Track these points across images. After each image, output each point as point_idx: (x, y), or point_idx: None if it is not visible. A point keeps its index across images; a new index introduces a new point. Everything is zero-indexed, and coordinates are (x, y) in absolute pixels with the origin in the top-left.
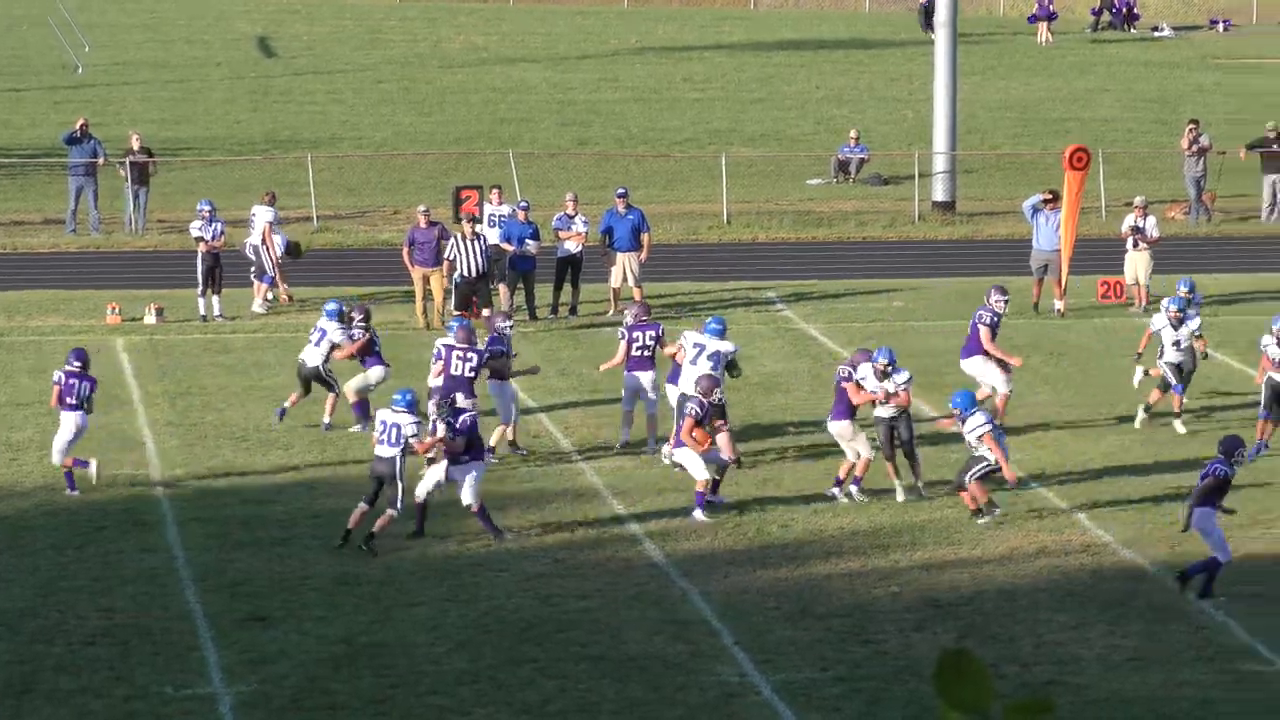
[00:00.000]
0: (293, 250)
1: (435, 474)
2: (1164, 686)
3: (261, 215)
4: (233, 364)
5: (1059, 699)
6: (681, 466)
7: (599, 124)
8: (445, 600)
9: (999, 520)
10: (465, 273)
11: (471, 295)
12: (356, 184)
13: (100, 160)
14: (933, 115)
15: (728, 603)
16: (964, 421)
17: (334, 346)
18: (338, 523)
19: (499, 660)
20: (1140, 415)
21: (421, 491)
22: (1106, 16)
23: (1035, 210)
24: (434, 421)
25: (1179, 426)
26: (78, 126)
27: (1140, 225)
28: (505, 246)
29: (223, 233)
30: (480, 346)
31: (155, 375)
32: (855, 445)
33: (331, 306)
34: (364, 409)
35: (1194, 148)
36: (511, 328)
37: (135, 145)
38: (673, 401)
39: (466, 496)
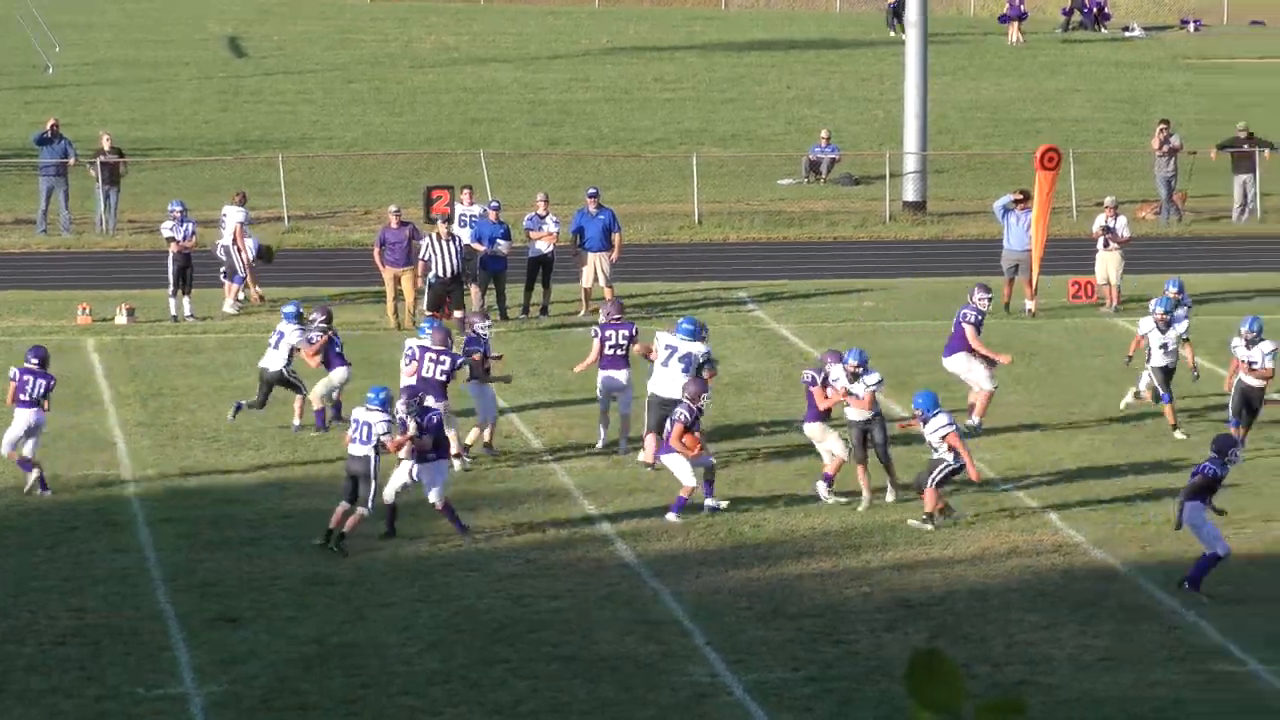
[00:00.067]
0: (264, 254)
1: (401, 474)
2: (1135, 686)
3: (232, 215)
4: (204, 364)
5: (1030, 699)
6: (653, 467)
7: (570, 124)
8: (417, 600)
9: (954, 521)
10: (440, 273)
11: (445, 296)
12: (327, 184)
13: (71, 160)
14: (903, 115)
15: (699, 603)
16: (926, 423)
17: (293, 349)
18: (309, 523)
19: (470, 660)
20: (1128, 398)
21: (390, 493)
22: (1077, 16)
23: (1006, 210)
24: (402, 419)
25: (1179, 434)
26: (48, 127)
27: (1111, 225)
28: (476, 247)
29: (194, 233)
30: (455, 350)
31: (126, 376)
32: (826, 446)
33: (289, 309)
34: (323, 416)
35: (1165, 148)
36: (489, 328)
37: (106, 145)
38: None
39: (432, 495)
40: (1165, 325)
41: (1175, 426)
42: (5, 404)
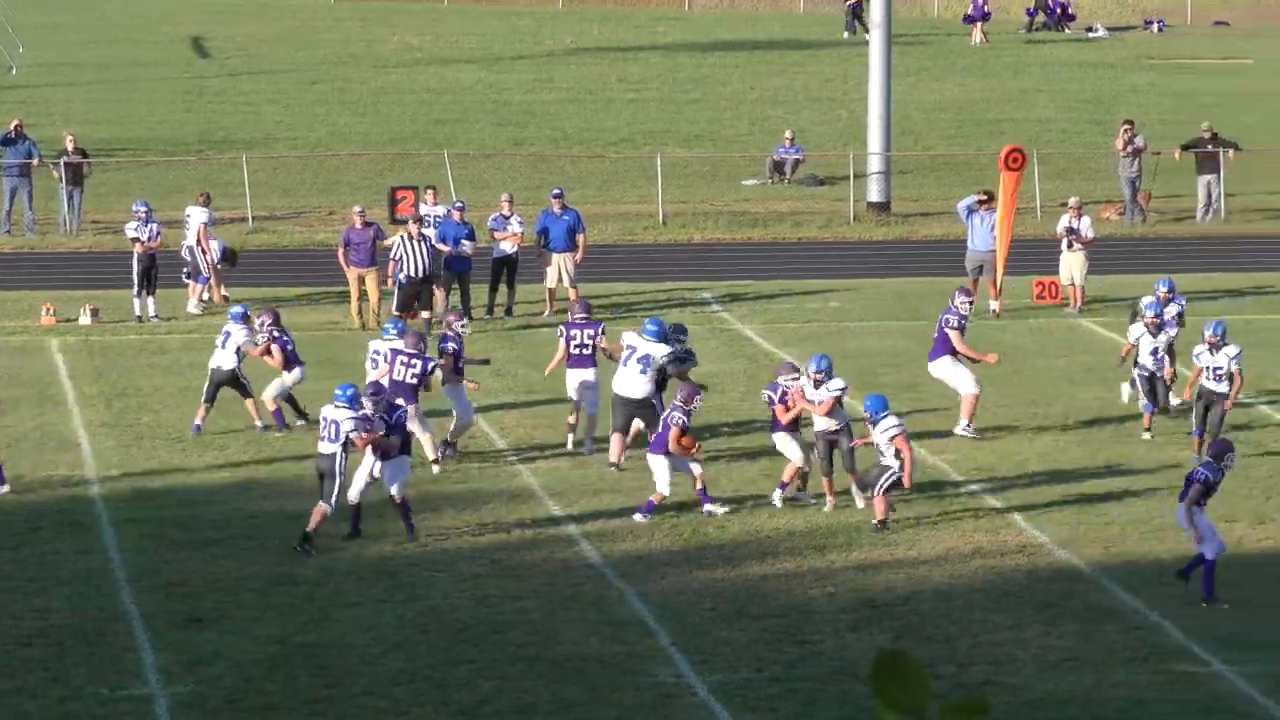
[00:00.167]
0: (229, 256)
1: (364, 472)
2: (1099, 687)
3: (196, 216)
4: (168, 365)
5: (995, 699)
6: (618, 467)
7: (534, 124)
8: (381, 601)
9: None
10: (411, 273)
11: (415, 296)
12: (291, 184)
13: (34, 161)
14: (867, 116)
15: (664, 603)
16: (875, 425)
17: (240, 349)
18: (274, 524)
19: (435, 661)
20: (1127, 390)
21: (354, 493)
22: (1041, 17)
23: (970, 211)
24: (368, 416)
25: (1146, 435)
26: (12, 127)
27: (1075, 226)
28: (441, 247)
29: (159, 233)
30: (428, 355)
31: (90, 376)
32: (787, 453)
33: (236, 309)
34: (282, 416)
35: (1129, 148)
36: (465, 327)
37: (70, 146)
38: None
39: (394, 489)
40: (1157, 329)
41: (1148, 429)
42: None
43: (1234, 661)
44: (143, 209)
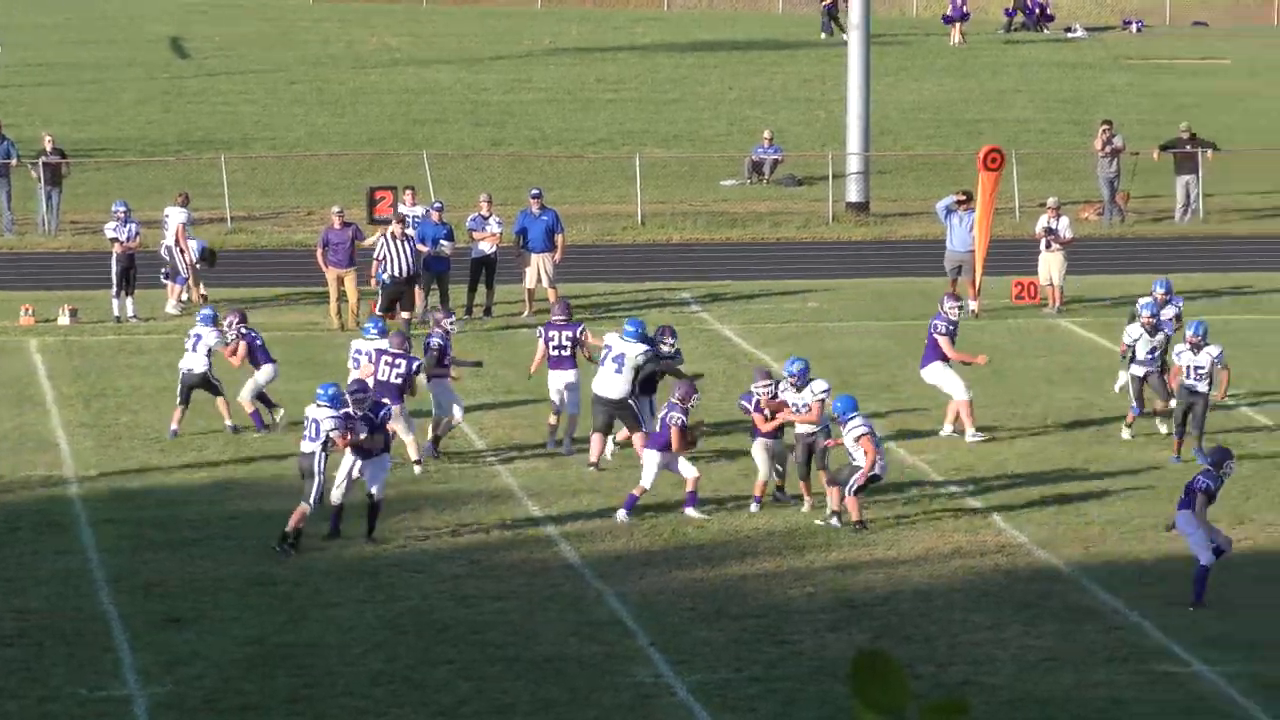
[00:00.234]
0: (208, 256)
1: (344, 471)
2: (1078, 687)
3: (175, 217)
4: (147, 365)
5: (974, 699)
6: (597, 466)
7: (513, 125)
8: (361, 601)
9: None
10: (395, 273)
11: (399, 297)
12: (270, 185)
13: (13, 161)
14: (846, 116)
15: (643, 603)
16: (844, 425)
17: (210, 350)
18: (252, 524)
19: (414, 661)
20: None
21: (337, 494)
22: (1020, 17)
23: (949, 211)
24: (347, 415)
25: (1125, 434)
26: None
27: (1053, 226)
28: (420, 248)
29: (138, 234)
30: (414, 354)
31: (69, 376)
32: (758, 463)
33: (206, 311)
34: (260, 417)
35: (1108, 148)
36: (454, 324)
37: (48, 146)
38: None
39: (375, 489)
40: (1153, 329)
41: (1129, 426)
42: None
43: (1214, 662)
44: (122, 209)
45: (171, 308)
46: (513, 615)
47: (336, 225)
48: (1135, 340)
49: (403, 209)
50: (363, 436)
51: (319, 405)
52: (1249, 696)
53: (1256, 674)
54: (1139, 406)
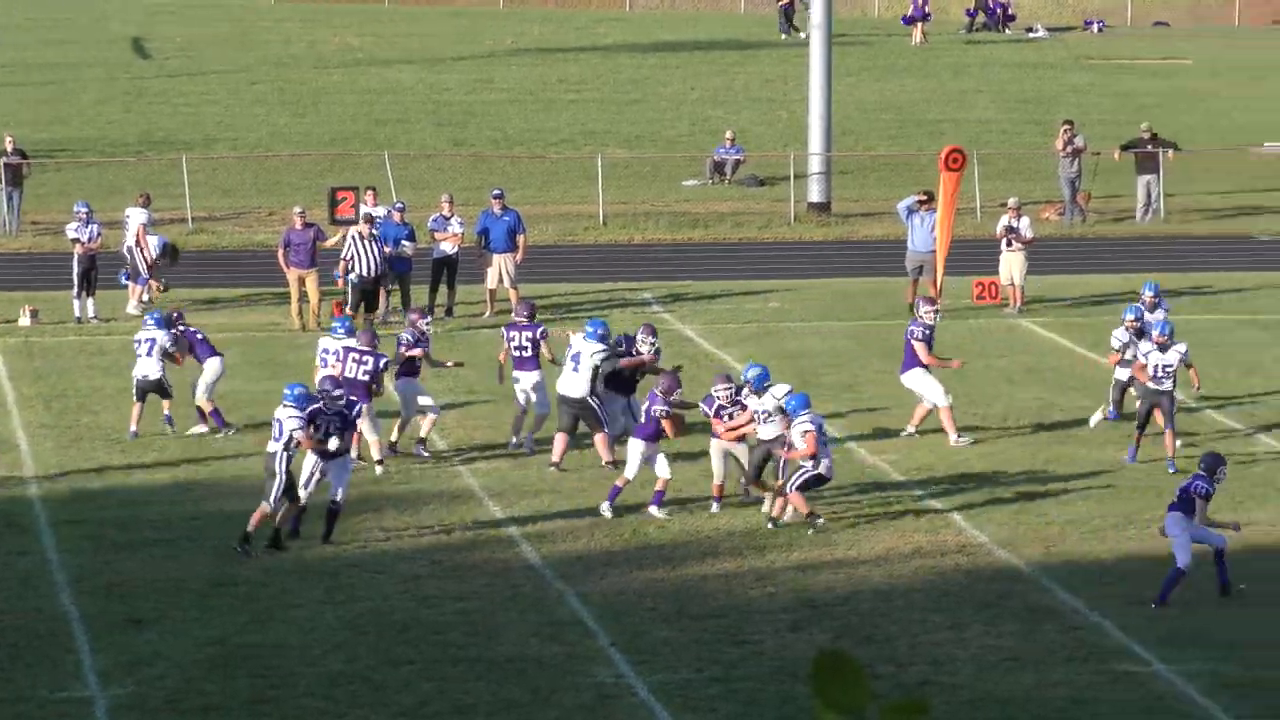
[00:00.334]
0: (169, 252)
1: (306, 471)
2: (1038, 686)
3: (135, 217)
4: (108, 365)
5: (934, 699)
6: (558, 466)
7: (475, 125)
8: (322, 602)
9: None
10: (363, 273)
11: (369, 295)
12: (231, 185)
13: None
14: (808, 116)
15: (604, 604)
16: (794, 420)
17: (165, 353)
18: (214, 525)
19: (376, 662)
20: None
21: (303, 494)
22: (981, 17)
23: (910, 211)
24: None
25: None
26: None
27: (1015, 226)
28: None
29: (99, 234)
30: (382, 352)
31: (30, 377)
32: (714, 465)
33: (155, 315)
34: (220, 415)
35: (1069, 149)
36: (430, 325)
37: (9, 147)
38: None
39: (339, 494)
40: (1139, 333)
41: (1090, 425)
42: None
43: (1173, 660)
44: (84, 210)
45: (133, 308)
46: (474, 616)
47: (298, 226)
48: (1123, 344)
49: (370, 209)
50: (333, 446)
51: (285, 405)
52: (1209, 695)
53: (1216, 673)
54: (1116, 413)
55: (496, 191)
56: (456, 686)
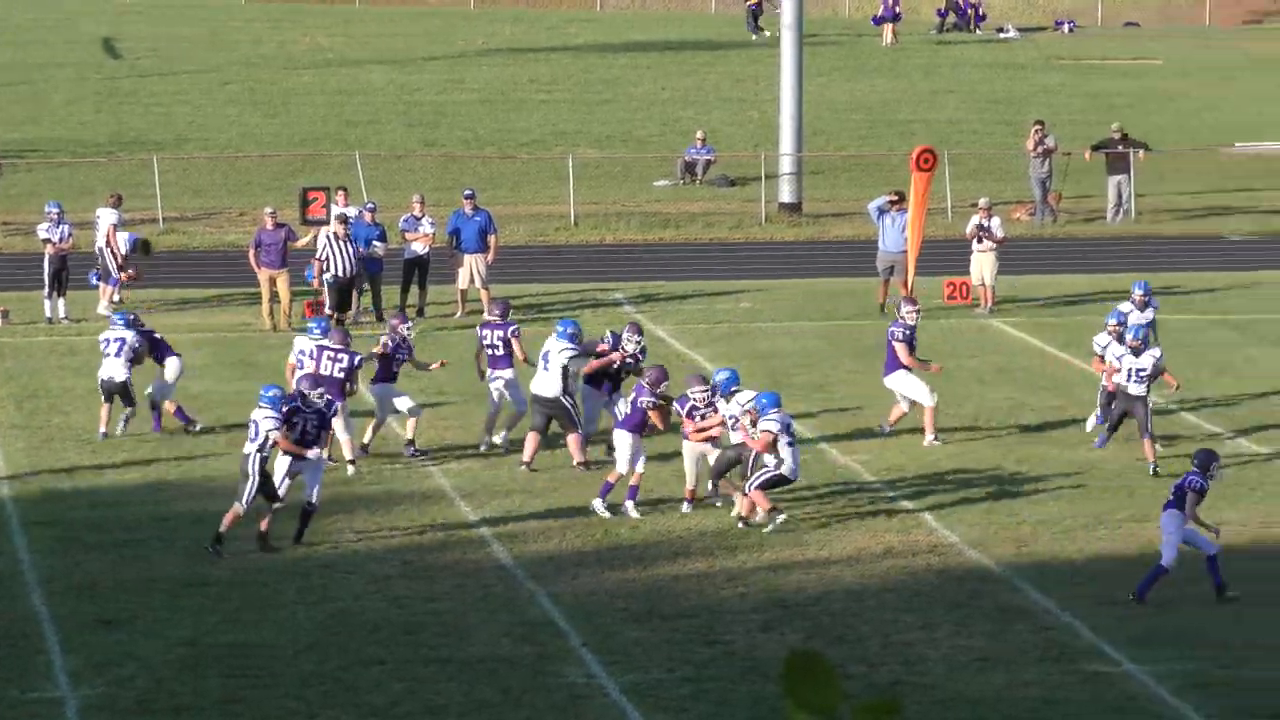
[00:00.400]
0: (141, 247)
1: (280, 471)
2: (1009, 686)
3: (105, 218)
4: (79, 366)
5: (906, 699)
6: (528, 466)
7: (446, 125)
8: (293, 602)
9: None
10: (339, 273)
11: (346, 295)
12: (203, 185)
13: None
14: (779, 116)
15: (576, 604)
16: (759, 416)
17: (134, 354)
18: (184, 525)
19: (347, 662)
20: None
21: (281, 491)
22: (952, 18)
23: (881, 211)
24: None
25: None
26: None
27: (986, 225)
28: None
29: (70, 235)
30: (355, 350)
31: (0, 378)
32: (686, 466)
33: (124, 315)
34: (183, 413)
35: (1039, 149)
36: (410, 329)
37: None
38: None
39: (314, 496)
40: (1120, 337)
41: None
42: None
43: (1144, 660)
44: (55, 210)
45: (104, 309)
46: (445, 616)
47: (269, 226)
48: (1104, 348)
49: (344, 209)
50: (312, 455)
51: (260, 406)
52: (1180, 695)
53: (1187, 672)
54: (1102, 415)
55: (468, 192)
56: (428, 687)
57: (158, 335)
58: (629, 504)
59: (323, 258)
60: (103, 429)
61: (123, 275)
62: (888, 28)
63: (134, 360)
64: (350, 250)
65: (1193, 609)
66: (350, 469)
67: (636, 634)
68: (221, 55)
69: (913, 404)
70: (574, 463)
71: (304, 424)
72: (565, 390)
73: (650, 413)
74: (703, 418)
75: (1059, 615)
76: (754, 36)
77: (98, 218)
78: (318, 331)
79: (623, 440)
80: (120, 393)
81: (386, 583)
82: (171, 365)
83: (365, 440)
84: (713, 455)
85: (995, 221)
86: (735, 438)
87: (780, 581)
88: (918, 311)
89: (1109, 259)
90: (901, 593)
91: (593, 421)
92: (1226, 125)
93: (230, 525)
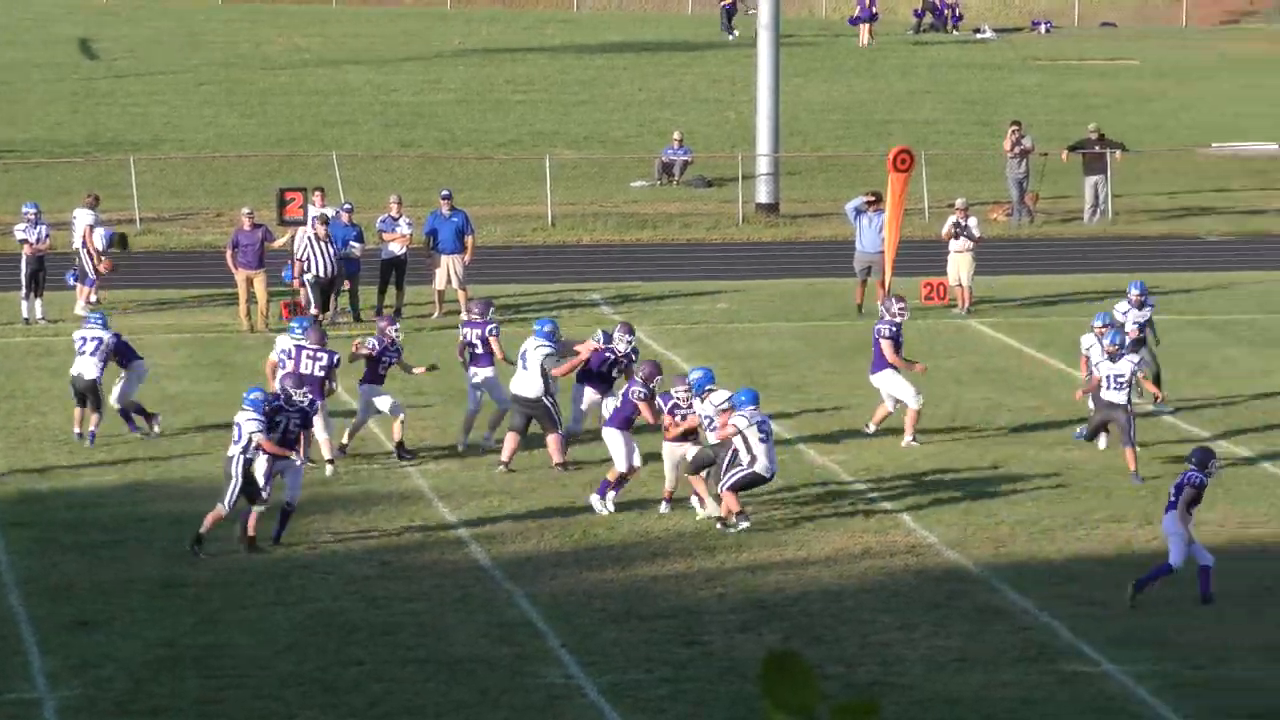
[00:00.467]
0: (118, 242)
1: (261, 475)
2: (987, 687)
3: (82, 218)
4: (56, 367)
5: (884, 699)
6: (507, 466)
7: (423, 126)
8: (272, 603)
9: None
10: (320, 273)
11: (328, 294)
12: (180, 186)
13: None
14: (756, 117)
15: (554, 605)
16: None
17: (108, 356)
18: (162, 526)
19: (325, 663)
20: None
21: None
22: (929, 18)
23: (858, 212)
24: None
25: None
26: None
27: (964, 224)
28: None
29: (47, 235)
30: (333, 349)
31: None
32: (666, 467)
33: (100, 315)
34: (142, 411)
35: (1016, 149)
36: (399, 331)
37: None
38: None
39: (293, 498)
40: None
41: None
42: None
43: (1123, 661)
44: (32, 211)
45: (81, 309)
46: (423, 617)
47: (246, 226)
48: (1089, 349)
49: (323, 209)
50: (297, 461)
51: (243, 409)
52: (1158, 696)
53: (1166, 673)
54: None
55: (445, 192)
56: (406, 687)
57: (124, 339)
58: (606, 495)
59: (303, 258)
60: (77, 429)
61: (101, 266)
62: (864, 28)
63: (106, 361)
64: (331, 250)
65: (1171, 610)
66: (329, 469)
67: (615, 634)
68: (198, 56)
69: (897, 403)
70: (553, 464)
71: (287, 423)
72: (546, 390)
73: (640, 404)
74: (684, 418)
75: (1037, 615)
76: (729, 37)
77: (74, 218)
78: (299, 331)
79: (614, 439)
80: (89, 391)
81: (365, 583)
82: (136, 368)
83: (344, 440)
84: (693, 454)
85: (972, 222)
86: (713, 438)
87: (758, 582)
88: (904, 308)
89: (1086, 259)
90: (879, 593)
91: (579, 421)
92: (1203, 125)
93: (211, 526)
